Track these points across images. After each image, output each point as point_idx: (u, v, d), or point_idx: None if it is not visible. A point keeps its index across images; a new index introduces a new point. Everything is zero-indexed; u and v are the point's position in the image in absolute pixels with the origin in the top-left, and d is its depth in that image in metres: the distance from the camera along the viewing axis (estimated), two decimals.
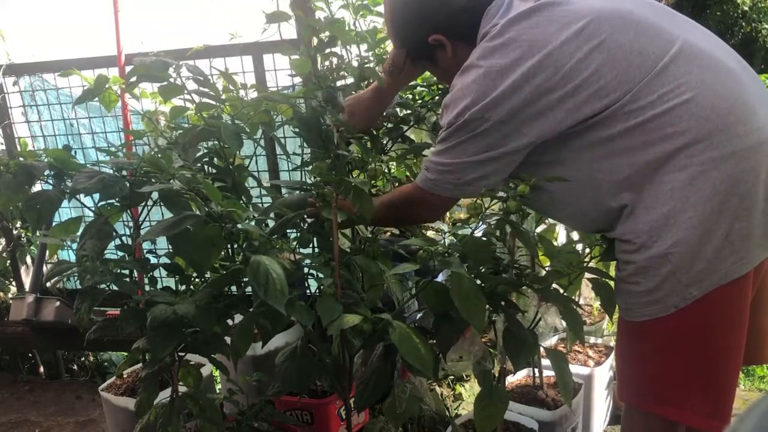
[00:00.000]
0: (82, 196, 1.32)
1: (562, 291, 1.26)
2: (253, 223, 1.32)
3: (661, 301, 1.16)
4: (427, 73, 1.73)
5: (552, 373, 1.23)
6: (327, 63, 1.77)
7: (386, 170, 1.77)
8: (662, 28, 1.15)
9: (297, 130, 1.44)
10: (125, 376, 1.91)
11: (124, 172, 1.34)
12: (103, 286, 1.29)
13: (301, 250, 1.37)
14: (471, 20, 1.25)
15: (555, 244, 1.34)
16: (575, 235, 1.61)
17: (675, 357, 1.21)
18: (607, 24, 1.13)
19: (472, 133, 1.18)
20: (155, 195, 1.29)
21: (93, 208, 1.40)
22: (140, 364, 1.71)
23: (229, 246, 1.30)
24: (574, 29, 1.13)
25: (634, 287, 1.18)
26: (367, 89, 1.60)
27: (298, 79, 2.18)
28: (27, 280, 2.69)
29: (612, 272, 1.30)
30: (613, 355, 2.10)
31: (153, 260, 1.45)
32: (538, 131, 1.16)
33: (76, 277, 1.39)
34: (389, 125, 1.73)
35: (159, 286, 1.43)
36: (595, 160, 1.16)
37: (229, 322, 1.30)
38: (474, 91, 1.17)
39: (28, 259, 2.77)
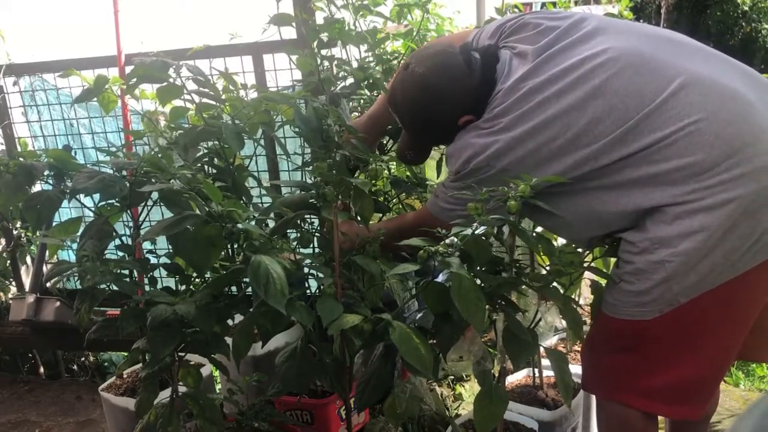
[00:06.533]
0: (82, 196, 1.32)
1: (562, 290, 1.26)
2: (253, 223, 1.32)
3: (648, 304, 1.19)
4: None
5: (552, 373, 1.23)
6: (327, 64, 1.77)
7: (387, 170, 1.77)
8: (662, 64, 1.16)
9: (297, 130, 1.44)
10: (125, 376, 1.91)
11: (124, 172, 1.34)
12: (103, 286, 1.29)
13: (302, 250, 1.37)
14: (488, 89, 1.30)
15: (554, 243, 1.34)
16: None
17: (655, 355, 1.23)
18: (601, 70, 1.17)
19: (478, 177, 1.26)
20: (155, 195, 1.29)
21: (93, 208, 1.40)
22: (140, 364, 1.71)
23: (229, 246, 1.30)
24: (569, 81, 1.18)
25: (626, 286, 1.20)
26: (358, 120, 1.65)
27: (298, 78, 2.18)
28: (27, 280, 2.68)
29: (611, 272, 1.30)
30: None
31: (153, 260, 1.45)
32: (540, 176, 1.19)
33: (76, 277, 1.39)
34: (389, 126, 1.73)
35: (159, 286, 1.43)
36: (604, 192, 1.20)
37: (229, 322, 1.30)
38: (478, 144, 1.25)
39: (28, 259, 2.76)
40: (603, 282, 1.32)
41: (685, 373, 1.21)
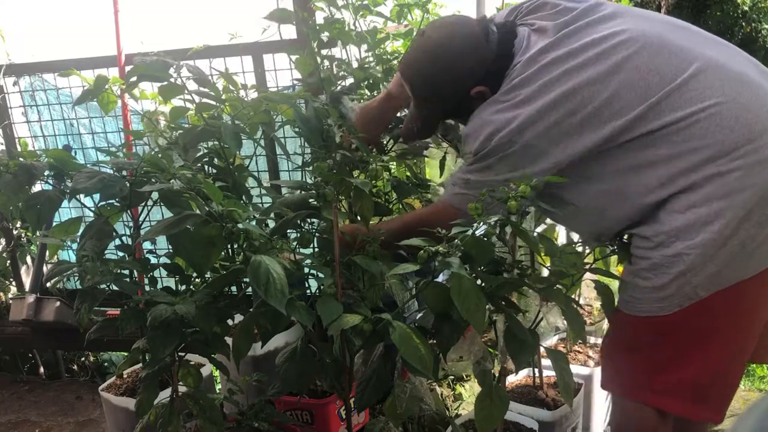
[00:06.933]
0: (82, 196, 1.32)
1: (563, 291, 1.26)
2: (253, 223, 1.32)
3: (666, 299, 1.18)
4: None
5: (552, 373, 1.23)
6: (327, 64, 1.77)
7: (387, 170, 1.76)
8: (679, 48, 1.17)
9: (297, 130, 1.44)
10: (125, 376, 1.91)
11: (124, 172, 1.34)
12: (103, 286, 1.29)
13: (302, 250, 1.37)
14: (504, 64, 1.28)
15: (556, 243, 1.34)
16: (575, 236, 1.61)
17: (672, 351, 1.22)
18: (623, 47, 1.16)
19: (500, 154, 1.22)
20: (155, 195, 1.29)
21: (93, 208, 1.40)
22: (140, 364, 1.71)
23: (229, 246, 1.30)
24: (591, 54, 1.17)
25: (643, 282, 1.19)
26: (374, 99, 1.61)
27: (298, 77, 2.18)
28: (27, 280, 2.69)
29: (614, 271, 1.30)
30: None
31: (153, 260, 1.45)
32: (563, 153, 1.19)
33: (76, 277, 1.39)
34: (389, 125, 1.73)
35: (159, 286, 1.43)
36: (622, 176, 1.19)
37: (229, 322, 1.30)
38: (499, 119, 1.21)
39: (28, 259, 2.77)
40: (607, 282, 1.32)
41: (704, 371, 1.21)
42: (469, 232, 1.05)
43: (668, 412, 1.28)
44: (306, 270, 1.32)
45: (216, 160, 1.52)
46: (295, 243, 1.37)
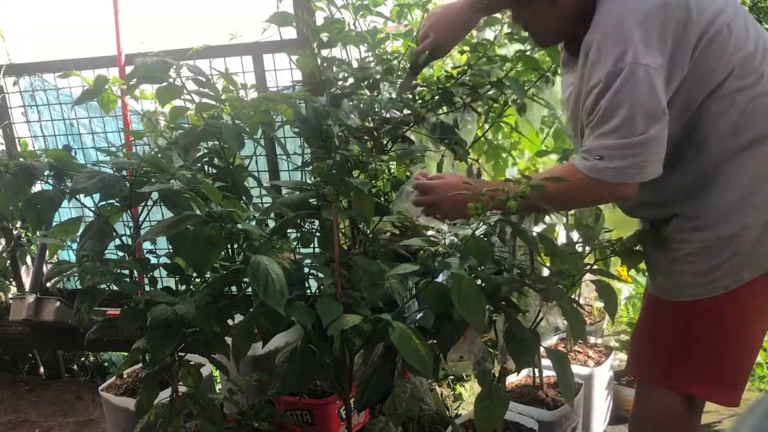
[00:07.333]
0: (82, 196, 1.32)
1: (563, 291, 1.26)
2: (253, 223, 1.32)
3: (714, 281, 1.17)
4: (425, 72, 1.71)
5: (552, 373, 1.23)
6: (326, 64, 1.77)
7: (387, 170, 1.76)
8: (756, 24, 1.19)
9: (297, 130, 1.44)
10: (125, 376, 1.91)
11: (124, 172, 1.34)
12: (103, 286, 1.29)
13: (301, 250, 1.37)
14: None
15: (556, 243, 1.33)
16: (575, 236, 1.61)
17: (714, 336, 1.22)
18: None
19: (640, 88, 1.07)
20: (155, 195, 1.29)
21: (93, 208, 1.40)
22: (140, 364, 1.71)
23: (229, 246, 1.30)
24: None
25: (688, 266, 1.19)
26: (458, 2, 1.47)
27: (298, 79, 2.18)
28: (27, 280, 2.69)
29: (613, 272, 1.30)
30: (613, 356, 2.10)
31: (153, 260, 1.45)
32: (675, 85, 1.13)
33: (76, 277, 1.39)
34: (389, 125, 1.73)
35: (159, 286, 1.43)
36: (689, 142, 1.17)
37: (229, 322, 1.30)
38: (626, 36, 1.09)
39: (28, 259, 2.77)
40: (610, 282, 1.31)
41: (741, 356, 1.22)
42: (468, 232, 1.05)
43: (700, 400, 1.28)
44: (306, 270, 1.32)
45: (216, 160, 1.52)
46: (295, 243, 1.37)
